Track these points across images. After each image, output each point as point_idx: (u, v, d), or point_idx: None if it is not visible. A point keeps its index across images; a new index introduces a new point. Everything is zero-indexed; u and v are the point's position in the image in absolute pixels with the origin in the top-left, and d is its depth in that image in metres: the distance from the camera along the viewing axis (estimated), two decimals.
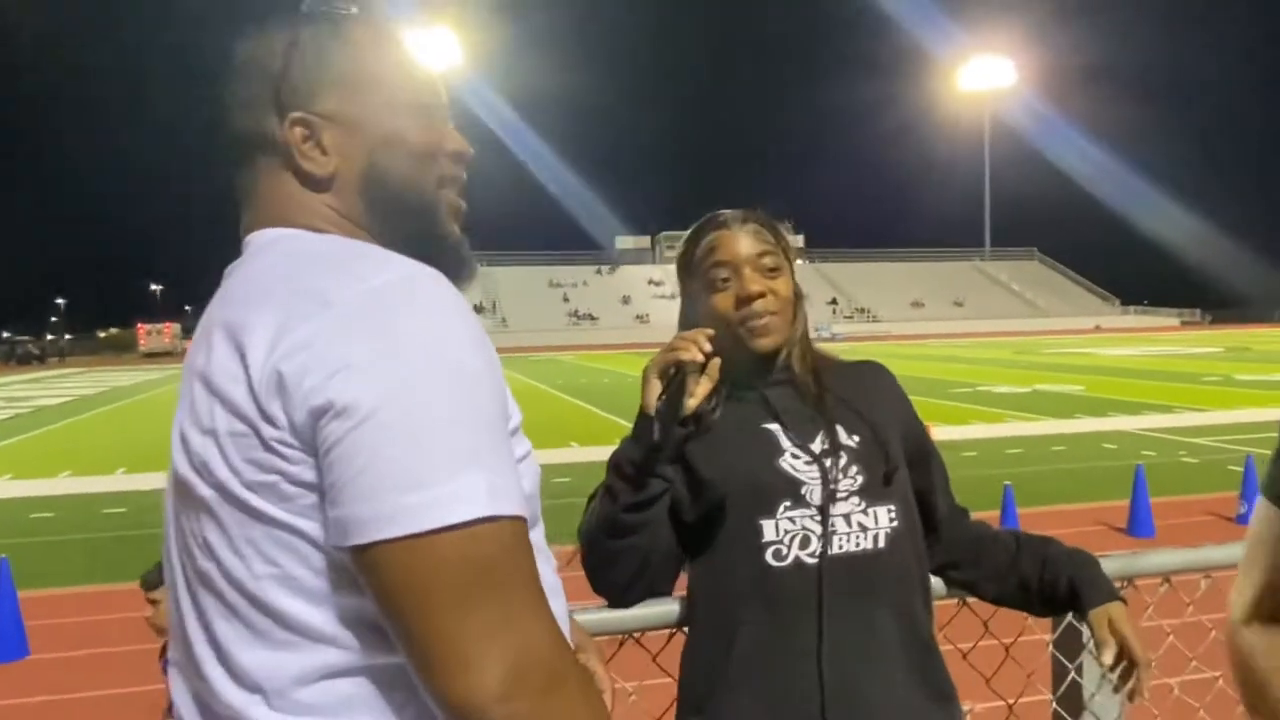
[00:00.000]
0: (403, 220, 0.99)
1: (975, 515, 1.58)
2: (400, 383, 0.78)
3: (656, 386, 1.37)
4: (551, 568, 1.00)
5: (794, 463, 1.41)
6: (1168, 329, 59.42)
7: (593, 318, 63.49)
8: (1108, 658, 1.40)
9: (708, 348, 1.35)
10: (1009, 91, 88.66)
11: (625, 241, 79.94)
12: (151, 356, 57.82)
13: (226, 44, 1.00)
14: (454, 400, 0.79)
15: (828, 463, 1.40)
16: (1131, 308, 72.11)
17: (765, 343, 1.46)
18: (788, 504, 1.38)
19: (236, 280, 0.92)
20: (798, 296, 1.52)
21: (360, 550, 0.77)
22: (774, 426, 1.45)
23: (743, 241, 1.47)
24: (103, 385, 32.58)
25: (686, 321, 1.53)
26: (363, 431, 0.76)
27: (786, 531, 1.37)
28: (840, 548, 1.37)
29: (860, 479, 1.40)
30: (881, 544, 1.39)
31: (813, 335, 1.57)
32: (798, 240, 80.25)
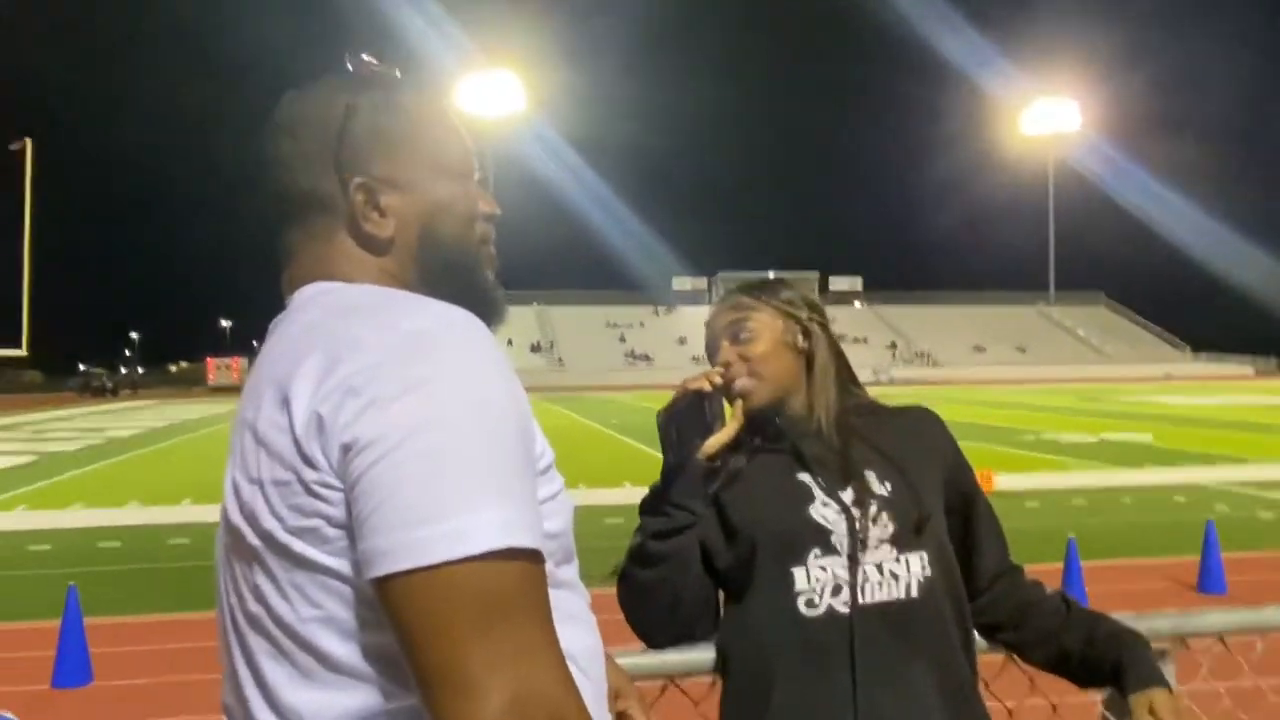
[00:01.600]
0: (449, 277, 1.04)
1: (1038, 569, 1.56)
2: (422, 418, 0.80)
3: (667, 428, 1.47)
4: (586, 603, 1.02)
5: (824, 511, 1.42)
6: (1241, 377, 57.56)
7: (649, 358, 63.63)
8: None
9: (718, 381, 1.45)
10: (1074, 134, 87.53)
11: (683, 282, 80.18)
12: (219, 391, 59.39)
13: (270, 99, 1.04)
14: (475, 436, 0.82)
15: (856, 511, 1.41)
16: (1202, 354, 70.06)
17: (748, 404, 1.53)
18: (817, 551, 1.40)
19: (283, 334, 0.95)
20: (804, 349, 1.55)
21: (380, 582, 0.79)
22: (805, 477, 1.47)
23: (719, 318, 1.59)
24: (172, 418, 33.52)
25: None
26: (384, 465, 0.79)
27: (818, 580, 1.39)
28: (872, 597, 1.38)
29: (891, 527, 1.41)
30: (915, 593, 1.39)
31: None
32: (855, 282, 79.82)
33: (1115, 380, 53.60)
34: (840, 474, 1.46)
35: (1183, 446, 18.21)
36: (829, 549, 1.39)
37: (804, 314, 1.57)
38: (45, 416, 37.17)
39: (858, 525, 1.40)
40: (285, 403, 0.85)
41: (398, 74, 1.06)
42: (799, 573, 1.39)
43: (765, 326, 1.55)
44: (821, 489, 1.45)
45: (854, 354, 1.66)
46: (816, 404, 1.53)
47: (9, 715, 2.48)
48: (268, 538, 0.86)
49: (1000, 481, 12.57)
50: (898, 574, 1.39)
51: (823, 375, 1.55)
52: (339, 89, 1.03)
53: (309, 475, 0.83)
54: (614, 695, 1.27)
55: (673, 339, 68.40)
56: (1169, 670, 1.58)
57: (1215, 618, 1.60)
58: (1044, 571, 1.55)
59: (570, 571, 0.99)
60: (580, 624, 0.98)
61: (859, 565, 1.38)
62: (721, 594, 1.49)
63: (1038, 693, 1.63)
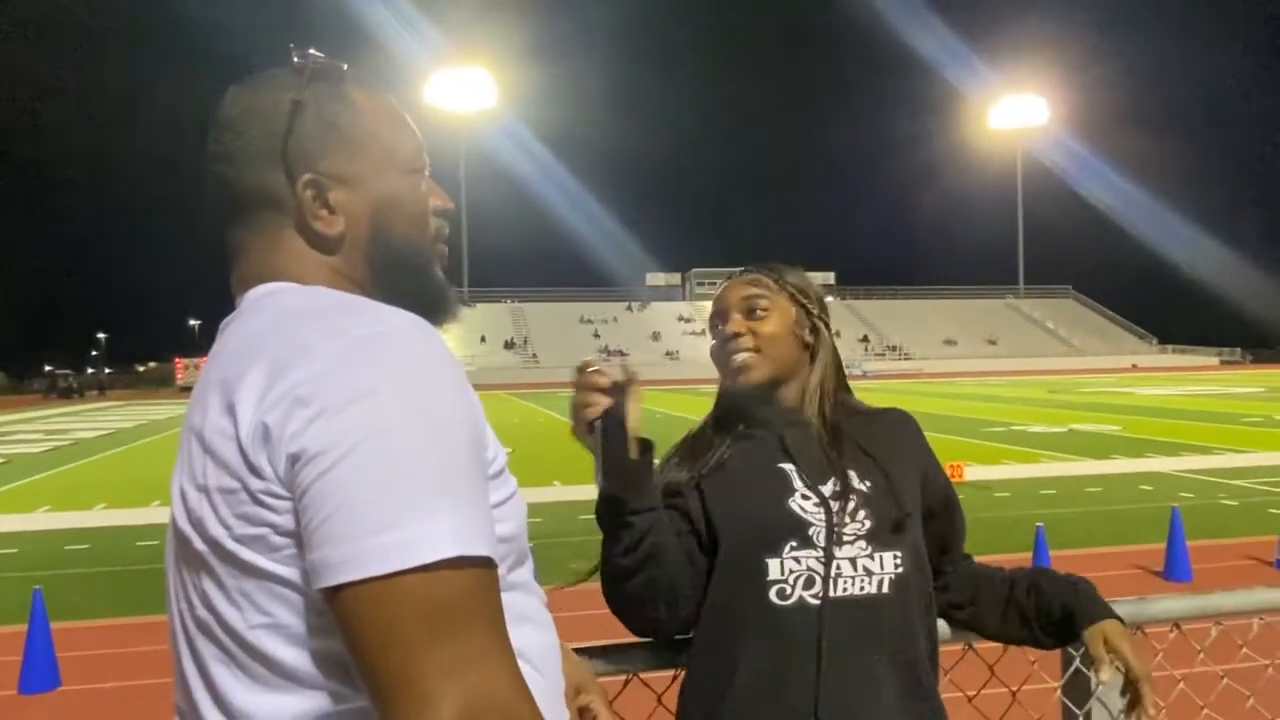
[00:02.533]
0: (401, 276, 1.02)
1: (1007, 557, 1.61)
2: (371, 427, 0.79)
3: (588, 445, 1.39)
4: (541, 603, 1.02)
5: (803, 504, 1.43)
6: (1207, 368, 58.45)
7: (623, 354, 63.60)
8: (1104, 674, 1.39)
9: (604, 381, 1.36)
10: (1041, 129, 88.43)
11: (656, 278, 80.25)
12: (188, 390, 58.32)
13: (214, 94, 1.02)
14: (424, 444, 0.81)
15: (835, 505, 1.42)
16: (1169, 346, 71.08)
17: (743, 379, 1.54)
18: (794, 544, 1.41)
19: (231, 336, 0.94)
20: (809, 343, 1.58)
21: (331, 592, 0.78)
22: (788, 467, 1.48)
23: (735, 290, 1.60)
24: (140, 419, 33.05)
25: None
26: (333, 475, 0.78)
27: (792, 571, 1.40)
28: (844, 590, 1.39)
29: (868, 524, 1.42)
30: (886, 589, 1.40)
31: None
32: (827, 277, 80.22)
33: (1084, 372, 54.27)
34: (822, 467, 1.47)
35: (1150, 436, 18.47)
36: (806, 542, 1.41)
37: (815, 310, 1.60)
38: (11, 419, 36.53)
39: (835, 520, 1.41)
40: (231, 409, 0.84)
41: (344, 68, 1.03)
42: (774, 563, 1.40)
43: (780, 310, 1.57)
44: (803, 481, 1.46)
45: None
46: (809, 397, 1.55)
47: None
48: (215, 545, 0.85)
49: (970, 472, 12.70)
50: (871, 570, 1.40)
51: (821, 371, 1.57)
52: (285, 84, 1.00)
53: (255, 484, 0.82)
54: (575, 691, 1.27)
55: (646, 335, 68.47)
56: None
57: (1169, 604, 1.62)
58: (1013, 560, 1.58)
59: (524, 573, 0.99)
60: (534, 624, 0.98)
61: (833, 559, 1.39)
62: None
63: (996, 681, 1.65)
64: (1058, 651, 1.60)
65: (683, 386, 37.25)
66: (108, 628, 6.91)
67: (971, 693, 1.63)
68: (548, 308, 73.28)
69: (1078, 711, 1.62)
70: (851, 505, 1.43)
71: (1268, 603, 1.67)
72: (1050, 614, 1.49)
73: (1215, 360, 65.49)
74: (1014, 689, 1.64)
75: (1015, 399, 31.07)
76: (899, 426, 1.59)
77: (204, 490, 0.86)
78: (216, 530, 0.85)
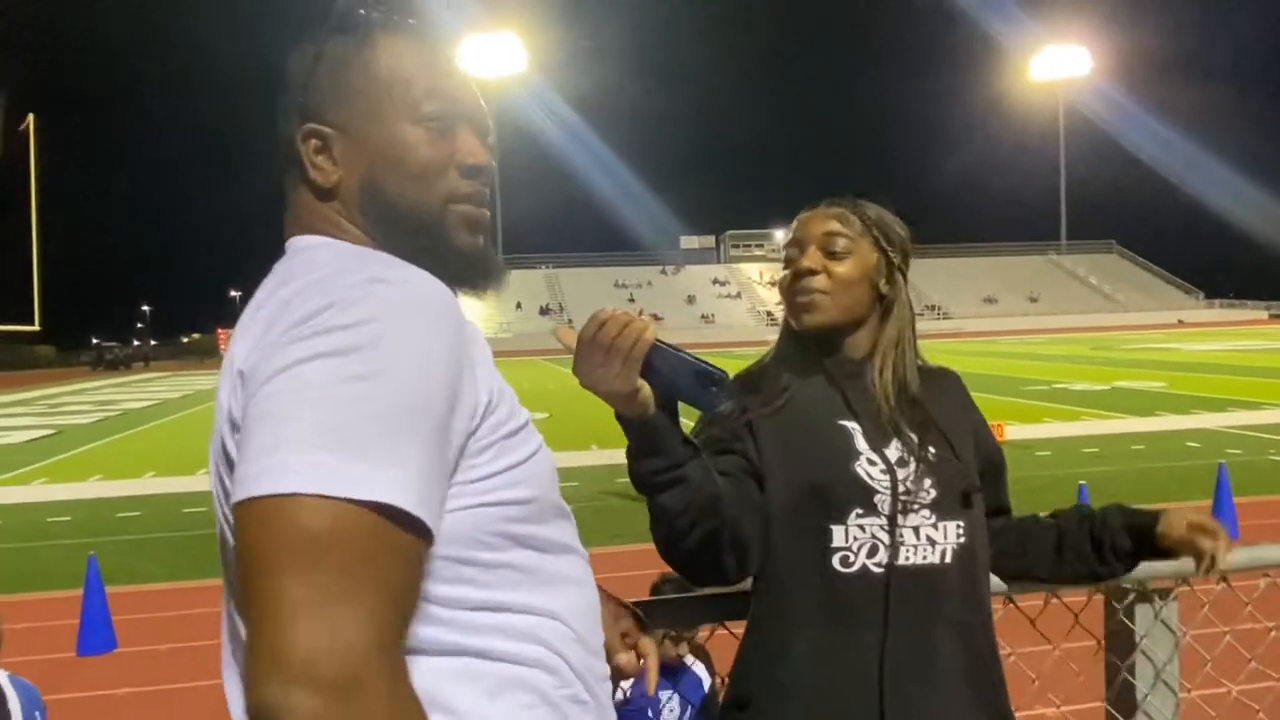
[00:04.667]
0: (403, 235, 0.98)
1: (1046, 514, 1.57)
2: (300, 360, 0.78)
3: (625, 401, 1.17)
4: (580, 561, 1.01)
5: (869, 469, 1.38)
6: (1256, 322, 57.15)
7: (658, 317, 63.55)
8: (1205, 543, 1.41)
9: (570, 340, 1.16)
10: (1083, 80, 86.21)
11: (690, 241, 79.88)
12: None
13: (275, 67, 1.03)
14: (346, 386, 0.77)
15: (901, 473, 1.38)
16: (1216, 301, 69.57)
17: (806, 319, 1.47)
18: (859, 511, 1.36)
19: (257, 293, 0.95)
20: (886, 298, 1.49)
21: (235, 510, 0.77)
22: (851, 425, 1.42)
23: (817, 222, 1.49)
24: (186, 389, 33.76)
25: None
26: (259, 398, 0.79)
27: (856, 539, 1.36)
28: (907, 559, 1.36)
29: (933, 493, 1.38)
30: (949, 559, 1.38)
31: None
32: None
33: (1128, 328, 53.33)
34: (885, 429, 1.42)
35: (1196, 392, 18.14)
36: (871, 509, 1.36)
37: (897, 259, 1.50)
38: (60, 390, 37.42)
39: (901, 488, 1.37)
40: (229, 370, 0.86)
41: (374, 16, 1.00)
42: (838, 530, 1.36)
43: (860, 253, 1.47)
44: (867, 441, 1.41)
45: None
46: (881, 352, 1.47)
47: (30, 685, 2.52)
48: (226, 519, 0.87)
49: (1011, 431, 12.56)
50: (935, 540, 1.37)
51: (896, 326, 1.49)
52: (314, 35, 1.01)
53: (231, 444, 0.84)
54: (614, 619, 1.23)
55: (681, 298, 68.30)
56: (1172, 610, 1.59)
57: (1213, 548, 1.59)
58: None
59: (550, 532, 0.97)
60: (569, 583, 0.98)
61: (898, 527, 1.36)
62: None
63: (1038, 636, 1.63)
64: (1099, 606, 1.59)
65: (718, 349, 37.12)
66: (161, 592, 7.11)
67: (1013, 649, 1.62)
68: (582, 273, 73.26)
69: (1121, 665, 1.61)
70: (917, 473, 1.39)
71: None
72: (1117, 545, 1.47)
73: (1264, 314, 63.98)
74: (1056, 645, 1.63)
75: (1057, 356, 30.62)
76: (951, 388, 1.54)
77: (214, 463, 0.89)
78: (219, 494, 0.88)
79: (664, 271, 74.87)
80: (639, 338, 1.11)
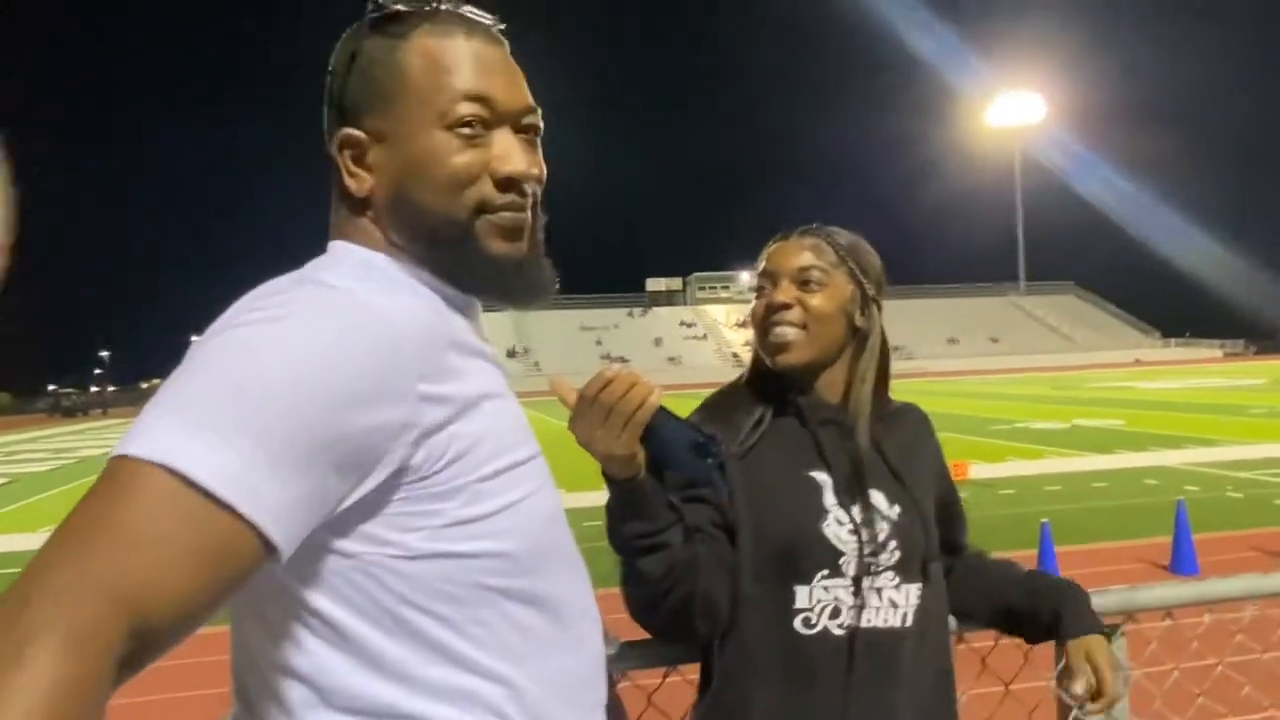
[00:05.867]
0: (430, 246, 0.94)
1: (1013, 554, 1.58)
2: (191, 357, 0.78)
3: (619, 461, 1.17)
4: (587, 616, 0.97)
5: (837, 530, 1.35)
6: (1210, 361, 58.27)
7: (625, 360, 63.55)
8: (1078, 688, 1.37)
9: (569, 396, 1.15)
10: (1039, 126, 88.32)
11: (657, 283, 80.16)
12: None
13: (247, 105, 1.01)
14: (214, 367, 0.76)
15: (867, 534, 1.35)
16: (1173, 340, 70.89)
17: (782, 359, 1.42)
18: (825, 573, 1.34)
19: None
20: (861, 330, 1.45)
21: None
22: (821, 476, 1.39)
23: (791, 252, 1.45)
24: None
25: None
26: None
27: (819, 600, 1.33)
28: (869, 622, 1.34)
29: (898, 555, 1.36)
30: (909, 622, 1.36)
31: None
32: None
33: (1087, 367, 54.12)
34: (854, 482, 1.39)
35: (1154, 430, 18.42)
36: (836, 571, 1.34)
37: (872, 290, 1.47)
38: (16, 438, 36.55)
39: (866, 549, 1.34)
40: None
41: (407, 11, 0.94)
42: (802, 591, 1.33)
43: (835, 285, 1.43)
44: (835, 497, 1.37)
45: None
46: (856, 393, 1.43)
47: None
48: None
49: (975, 470, 12.66)
50: (896, 603, 1.35)
51: (869, 362, 1.45)
52: (353, 35, 0.96)
53: None
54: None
55: (648, 340, 68.41)
56: (1120, 645, 1.62)
57: (1161, 592, 1.62)
58: (1019, 557, 1.57)
59: (549, 584, 0.91)
60: (563, 648, 0.92)
61: (862, 590, 1.33)
62: None
63: (989, 676, 1.65)
64: (1050, 644, 1.60)
65: (686, 391, 36.80)
66: None
67: (963, 687, 1.63)
68: (549, 315, 73.21)
69: (1073, 704, 1.63)
70: (883, 535, 1.36)
71: (1258, 588, 1.67)
72: (1039, 618, 1.47)
73: (1219, 353, 65.27)
74: (1007, 683, 1.64)
75: (1018, 396, 30.98)
76: (917, 429, 1.52)
77: None
78: None
79: (631, 314, 75.04)
80: (644, 402, 1.10)
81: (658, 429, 1.10)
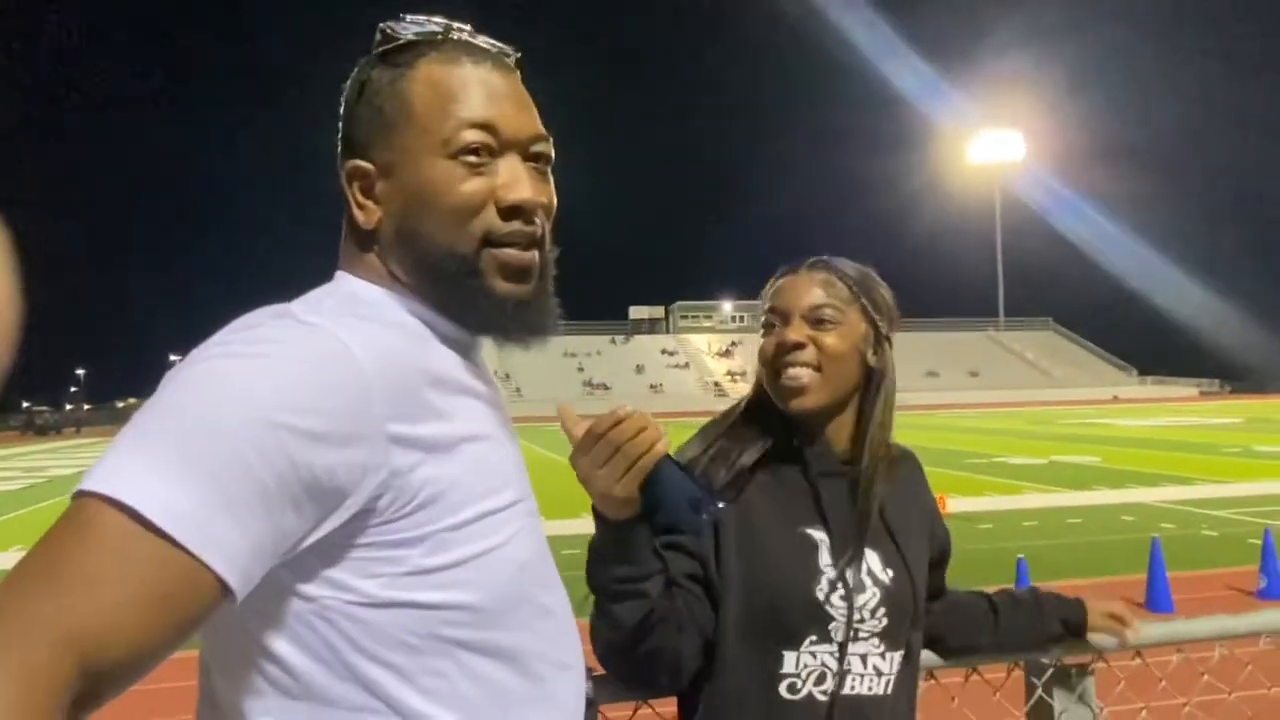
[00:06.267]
0: (435, 282, 0.91)
1: (989, 590, 1.61)
2: (161, 388, 0.78)
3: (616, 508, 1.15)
4: (561, 670, 0.93)
5: (830, 594, 1.31)
6: (1186, 399, 58.87)
7: (606, 387, 63.50)
8: (1129, 633, 1.60)
9: (575, 429, 1.13)
10: (1019, 164, 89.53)
11: (639, 311, 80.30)
12: None
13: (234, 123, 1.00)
14: (184, 420, 0.74)
15: (859, 599, 1.32)
16: (1149, 377, 71.58)
17: (795, 403, 1.35)
18: (814, 638, 1.30)
19: None
20: (874, 371, 1.39)
21: None
22: (818, 534, 1.34)
23: (802, 288, 1.39)
24: None
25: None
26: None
27: (806, 666, 1.30)
28: (852, 688, 1.31)
29: (885, 622, 1.33)
30: (890, 689, 1.34)
31: None
32: None
33: (1064, 403, 54.52)
34: (849, 541, 1.34)
35: (1130, 467, 18.55)
36: (825, 637, 1.30)
37: (885, 326, 1.40)
38: None
39: (856, 615, 1.31)
40: None
41: (412, 40, 0.92)
42: (790, 656, 1.29)
43: (850, 323, 1.37)
44: (830, 556, 1.33)
45: None
46: (871, 440, 1.37)
47: None
48: None
49: (954, 504, 12.70)
50: (881, 670, 1.32)
51: (884, 406, 1.39)
52: (363, 66, 0.95)
53: None
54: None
55: (630, 367, 68.42)
56: (1090, 685, 1.62)
57: (1128, 631, 1.63)
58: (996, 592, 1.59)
59: (519, 638, 0.88)
60: (532, 703, 0.88)
61: (847, 655, 1.30)
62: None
63: (961, 712, 1.65)
64: (1018, 681, 1.61)
65: (667, 419, 36.65)
66: None
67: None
68: None
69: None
70: (874, 601, 1.32)
71: (1227, 629, 1.68)
72: (1050, 632, 1.58)
73: (1195, 391, 65.97)
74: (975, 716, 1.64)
75: (997, 430, 31.16)
76: (915, 481, 1.47)
77: None
78: None
79: (613, 341, 75.09)
80: (651, 448, 1.07)
81: (659, 476, 1.08)
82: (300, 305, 0.86)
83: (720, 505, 1.12)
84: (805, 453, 1.38)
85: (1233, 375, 71.84)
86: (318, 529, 0.78)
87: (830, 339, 1.36)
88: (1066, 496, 14.64)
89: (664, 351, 72.72)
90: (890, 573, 1.35)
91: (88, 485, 0.72)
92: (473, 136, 0.89)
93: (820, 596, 1.30)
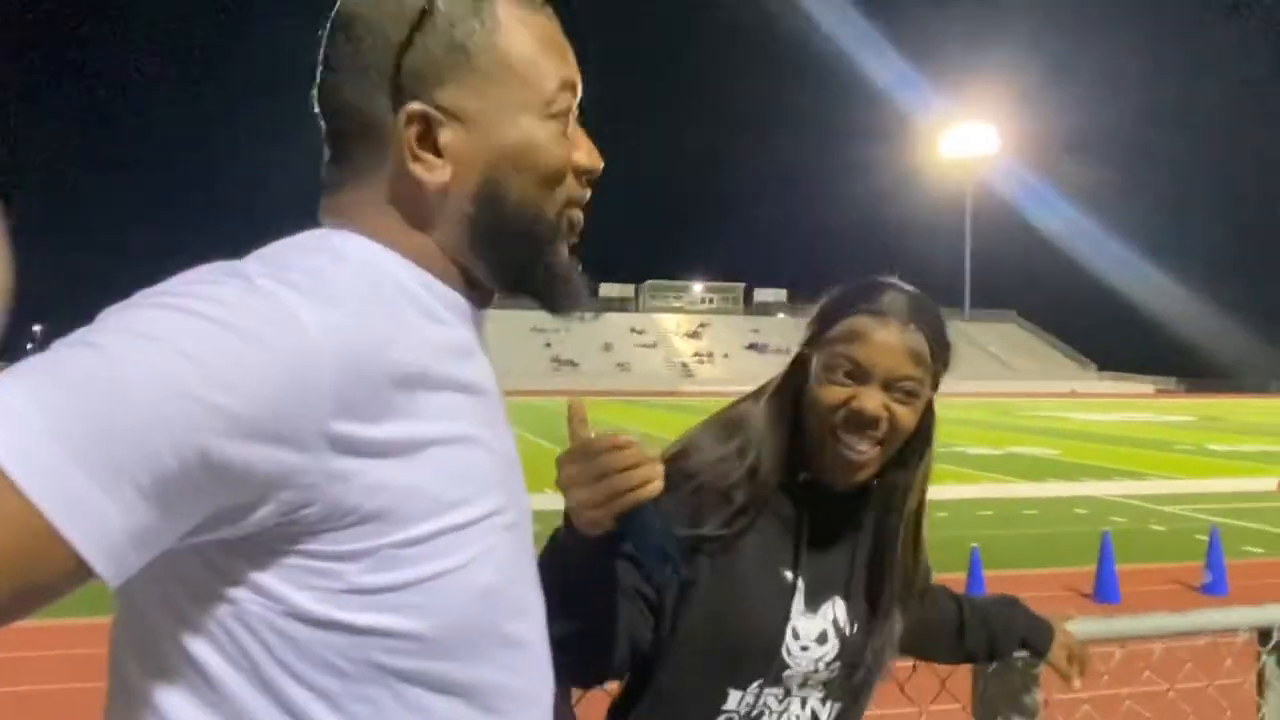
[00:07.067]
0: (508, 248, 0.84)
1: (943, 577, 1.56)
2: (84, 328, 0.68)
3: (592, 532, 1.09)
4: (528, 704, 0.85)
5: (792, 644, 1.28)
6: (1142, 395, 59.99)
7: (574, 364, 63.48)
8: (1076, 684, 1.57)
9: (580, 430, 1.07)
10: (991, 157, 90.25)
11: (610, 289, 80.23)
12: None
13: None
14: (86, 362, 0.64)
15: (820, 650, 1.30)
16: (1107, 373, 72.85)
17: (851, 477, 1.27)
18: (763, 681, 1.27)
19: None
20: (920, 433, 1.31)
21: None
22: (796, 580, 1.30)
23: (895, 350, 1.24)
24: None
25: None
26: None
27: (747, 704, 1.28)
28: None
29: (834, 675, 1.32)
30: None
31: None
32: (779, 294, 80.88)
33: (1023, 395, 55.34)
34: (826, 589, 1.32)
35: (1085, 460, 18.91)
36: (775, 681, 1.28)
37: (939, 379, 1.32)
38: None
39: (811, 666, 1.29)
40: None
41: None
42: (735, 694, 1.27)
43: (924, 395, 1.27)
44: (801, 609, 1.29)
45: (778, 365, 1.39)
46: (904, 501, 1.32)
47: None
48: None
49: None
50: (818, 716, 1.31)
51: (925, 468, 1.33)
52: None
53: None
54: None
55: (598, 345, 68.41)
56: (1032, 677, 1.67)
57: (1073, 628, 1.67)
58: (948, 580, 1.59)
59: (475, 670, 0.78)
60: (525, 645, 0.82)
61: (790, 697, 1.29)
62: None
63: (905, 699, 1.68)
64: (965, 672, 1.65)
65: (633, 399, 37.13)
66: (43, 629, 6.71)
67: (881, 712, 1.66)
68: (499, 315, 72.10)
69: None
70: (831, 654, 1.30)
71: (1167, 628, 1.73)
72: (1010, 649, 1.58)
73: (1150, 388, 67.21)
74: (922, 709, 1.68)
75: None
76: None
77: None
78: None
79: (582, 318, 74.66)
80: (639, 488, 1.00)
81: (639, 517, 1.02)
82: (262, 265, 0.73)
83: (684, 573, 1.07)
84: (806, 490, 1.31)
85: (1190, 373, 73.31)
86: (226, 528, 0.69)
87: (906, 413, 1.25)
88: (1022, 488, 14.91)
89: (633, 330, 72.75)
90: (855, 625, 1.33)
91: None
92: (569, 99, 0.85)
93: (783, 645, 1.27)
